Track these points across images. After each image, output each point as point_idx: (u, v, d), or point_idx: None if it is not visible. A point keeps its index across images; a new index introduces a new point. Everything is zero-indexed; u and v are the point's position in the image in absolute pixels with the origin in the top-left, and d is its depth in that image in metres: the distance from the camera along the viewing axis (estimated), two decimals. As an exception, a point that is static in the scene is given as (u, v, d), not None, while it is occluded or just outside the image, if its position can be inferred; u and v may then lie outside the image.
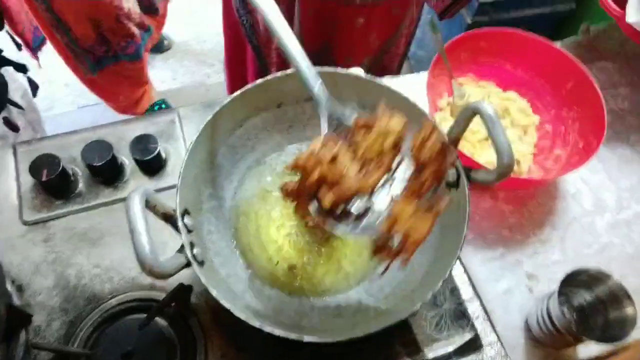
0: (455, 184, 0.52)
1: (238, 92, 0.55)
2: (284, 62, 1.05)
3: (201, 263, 0.48)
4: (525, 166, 0.79)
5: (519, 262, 0.74)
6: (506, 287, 0.72)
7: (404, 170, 0.48)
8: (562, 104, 0.81)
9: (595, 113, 0.75)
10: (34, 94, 0.93)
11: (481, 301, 0.70)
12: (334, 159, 0.46)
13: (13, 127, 0.85)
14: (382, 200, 0.48)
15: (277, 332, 0.45)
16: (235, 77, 1.22)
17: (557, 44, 0.81)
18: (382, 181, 0.47)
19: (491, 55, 0.84)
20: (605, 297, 0.63)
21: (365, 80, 0.57)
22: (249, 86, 0.55)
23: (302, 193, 0.48)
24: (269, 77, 0.55)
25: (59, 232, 0.63)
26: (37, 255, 0.62)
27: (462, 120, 0.49)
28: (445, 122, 0.80)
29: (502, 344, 0.68)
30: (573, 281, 0.64)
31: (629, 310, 0.60)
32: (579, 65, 0.77)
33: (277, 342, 0.58)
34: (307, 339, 0.45)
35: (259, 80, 0.56)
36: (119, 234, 0.64)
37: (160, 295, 0.60)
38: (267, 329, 0.45)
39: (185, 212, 0.50)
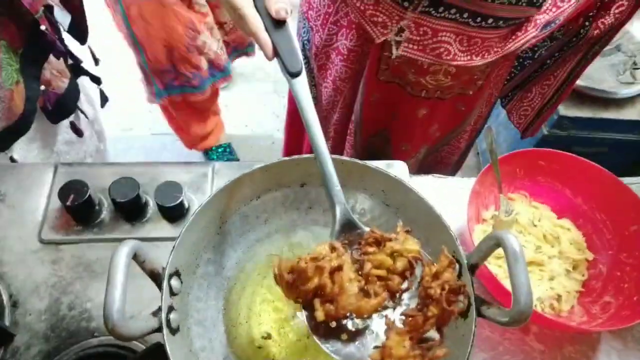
0: (464, 314, 0.46)
1: (264, 165, 0.54)
2: (340, 137, 1.05)
3: (174, 330, 0.45)
4: (568, 305, 0.70)
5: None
6: None
7: (408, 297, 0.45)
8: (622, 247, 0.72)
9: (659, 266, 0.66)
10: (102, 105, 0.99)
11: None
12: (337, 270, 0.43)
13: (78, 132, 0.91)
14: (379, 323, 0.44)
15: None
16: (292, 141, 1.24)
17: (626, 180, 0.74)
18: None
19: (549, 176, 0.78)
20: None
21: (393, 179, 0.54)
22: (277, 161, 0.55)
23: (295, 293, 0.45)
24: (298, 157, 0.55)
25: (67, 257, 0.64)
26: (41, 275, 0.63)
27: (484, 248, 0.45)
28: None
29: None
30: None
31: None
32: (647, 208, 0.70)
33: None
34: None
35: (287, 158, 0.55)
36: (123, 273, 0.63)
37: (141, 347, 0.58)
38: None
39: (176, 274, 0.48)
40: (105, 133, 1.10)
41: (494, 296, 0.68)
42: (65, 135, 0.90)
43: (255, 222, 0.59)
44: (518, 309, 0.39)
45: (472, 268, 0.47)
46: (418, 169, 1.08)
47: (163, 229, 0.67)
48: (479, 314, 0.44)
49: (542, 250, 0.74)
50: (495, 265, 0.72)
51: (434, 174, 0.86)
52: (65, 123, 0.89)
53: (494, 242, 0.43)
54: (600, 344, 0.70)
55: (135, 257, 0.44)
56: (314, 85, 0.99)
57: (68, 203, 0.63)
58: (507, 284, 0.62)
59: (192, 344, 0.48)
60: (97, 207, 0.67)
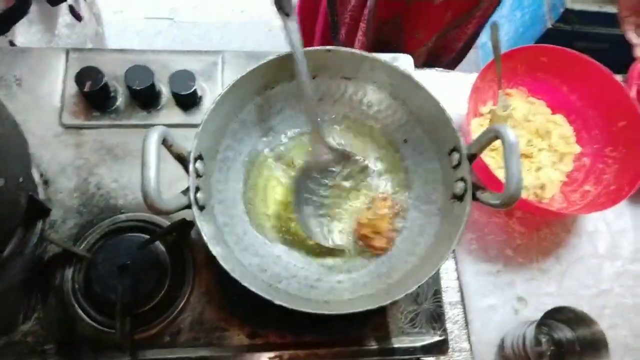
0: (461, 197, 0.52)
1: (276, 56, 0.56)
2: (356, 24, 1.03)
3: (202, 207, 0.51)
4: (550, 193, 0.77)
5: (513, 283, 0.74)
6: (492, 303, 0.72)
7: None
8: (608, 142, 0.78)
9: (639, 160, 0.72)
10: None
11: (464, 309, 0.72)
12: None
13: (77, 16, 0.90)
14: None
15: (253, 288, 0.47)
16: (303, 27, 1.20)
17: (620, 77, 0.77)
18: None
19: (549, 73, 0.80)
20: (584, 341, 0.64)
21: (401, 73, 0.57)
22: (287, 52, 0.56)
23: None
24: (309, 49, 0.56)
25: (90, 141, 0.68)
26: (66, 157, 0.67)
27: (483, 140, 0.49)
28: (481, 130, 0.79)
29: (471, 353, 0.70)
30: (559, 315, 0.64)
31: (602, 361, 0.60)
32: (636, 107, 0.74)
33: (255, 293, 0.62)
34: (277, 302, 0.47)
35: (300, 49, 0.56)
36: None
37: (165, 222, 0.64)
38: (244, 283, 0.48)
39: (199, 157, 0.52)
40: (102, 16, 1.07)
41: (485, 184, 0.74)
42: (65, 18, 0.88)
43: (269, 112, 0.62)
44: (509, 194, 0.45)
45: (471, 157, 0.52)
46: (425, 57, 1.08)
47: (177, 116, 0.70)
48: (474, 197, 0.50)
49: (533, 144, 0.79)
50: (489, 157, 0.77)
51: (437, 68, 0.88)
52: (65, 6, 0.87)
53: (493, 135, 0.47)
54: (573, 227, 0.78)
55: (164, 141, 0.48)
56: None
57: (86, 89, 0.65)
58: (498, 173, 0.68)
59: (216, 220, 0.54)
60: (112, 94, 0.69)
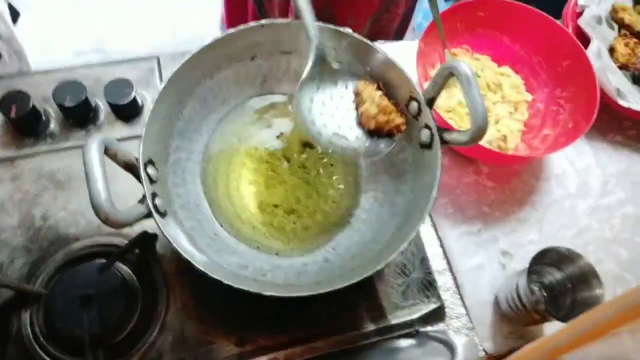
0: (429, 145, 0.50)
1: (209, 42, 0.53)
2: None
3: (163, 214, 0.47)
4: (512, 143, 0.77)
5: (495, 238, 0.73)
6: (479, 263, 0.71)
7: None
8: (556, 83, 0.79)
9: (589, 94, 0.73)
10: (14, 21, 0.90)
11: (453, 274, 0.70)
12: None
13: None
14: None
15: (237, 285, 0.44)
16: (233, 9, 1.17)
17: (559, 21, 0.78)
18: None
19: (489, 27, 0.81)
20: (574, 277, 0.63)
21: (340, 32, 0.55)
22: (221, 36, 0.53)
23: None
24: (242, 27, 0.53)
25: (26, 171, 0.62)
26: (2, 192, 0.61)
27: (439, 80, 0.48)
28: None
29: (469, 316, 0.68)
30: (544, 259, 0.63)
31: (597, 291, 0.59)
32: (577, 43, 0.75)
33: (239, 298, 0.58)
34: (267, 293, 0.44)
35: (231, 30, 0.53)
36: (89, 178, 0.63)
37: (124, 242, 0.59)
38: (227, 281, 0.44)
39: (150, 162, 0.48)
40: (25, 52, 1.00)
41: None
42: (-19, 57, 0.82)
43: (214, 103, 0.58)
44: (476, 125, 0.43)
45: (430, 102, 0.50)
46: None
47: (119, 129, 0.66)
48: (442, 141, 0.48)
49: (487, 98, 0.79)
50: (448, 119, 0.76)
51: (380, 40, 0.87)
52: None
53: (448, 72, 0.46)
54: (541, 173, 0.79)
55: (106, 151, 0.43)
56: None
57: (12, 115, 0.60)
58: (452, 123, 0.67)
59: (182, 225, 0.50)
60: (44, 117, 0.64)
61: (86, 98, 0.62)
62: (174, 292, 0.58)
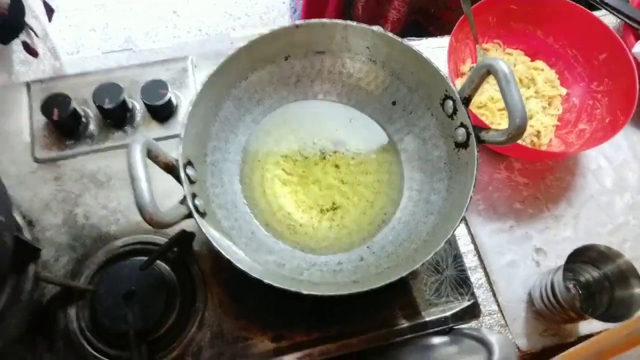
0: (465, 144, 0.50)
1: (244, 44, 0.53)
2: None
3: (203, 214, 0.48)
4: (546, 139, 0.76)
5: (529, 235, 0.72)
6: (512, 260, 0.71)
7: None
8: (592, 77, 0.77)
9: (627, 87, 0.71)
10: (50, 18, 0.92)
11: (485, 271, 0.70)
12: None
13: (32, 52, 0.86)
14: None
15: (276, 284, 0.45)
16: (312, 8, 1.15)
17: (596, 13, 0.76)
18: None
19: (522, 20, 0.79)
20: (612, 276, 0.62)
21: (374, 32, 0.55)
22: (256, 37, 0.54)
23: None
24: (277, 28, 0.54)
25: (68, 171, 0.64)
26: (47, 192, 0.63)
27: (476, 78, 0.47)
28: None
29: (502, 313, 0.68)
30: (581, 257, 0.62)
31: (636, 290, 0.58)
32: (615, 35, 0.73)
33: (275, 295, 0.59)
34: (306, 292, 0.45)
35: (267, 31, 0.54)
36: (127, 178, 0.64)
37: (164, 240, 0.60)
38: (267, 280, 0.45)
39: (188, 164, 0.49)
40: (58, 50, 1.03)
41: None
42: (19, 55, 0.84)
43: (249, 104, 0.59)
44: (515, 124, 0.43)
45: (466, 100, 0.50)
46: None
47: (156, 130, 0.67)
48: (479, 140, 0.48)
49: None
50: (479, 115, 0.76)
51: (408, 37, 0.86)
52: (18, 42, 0.83)
53: (485, 70, 0.45)
54: (576, 169, 0.77)
55: (148, 153, 0.44)
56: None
57: (54, 118, 0.62)
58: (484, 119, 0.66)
59: (220, 225, 0.51)
60: (84, 119, 0.66)
61: (124, 100, 0.64)
62: (211, 290, 0.59)
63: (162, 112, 0.67)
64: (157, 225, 0.42)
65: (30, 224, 0.61)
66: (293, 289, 0.44)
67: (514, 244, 0.72)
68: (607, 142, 0.68)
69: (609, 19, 0.83)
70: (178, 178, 0.48)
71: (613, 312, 0.60)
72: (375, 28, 0.54)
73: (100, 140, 0.66)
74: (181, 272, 0.59)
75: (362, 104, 0.61)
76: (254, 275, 0.44)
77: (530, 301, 0.68)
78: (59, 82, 0.68)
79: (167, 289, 0.57)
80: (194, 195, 0.48)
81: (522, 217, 0.73)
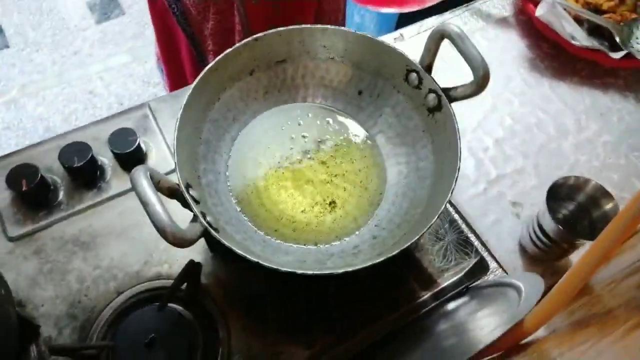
0: (438, 107, 0.54)
1: (208, 67, 0.55)
2: (220, 48, 0.99)
3: (217, 229, 0.48)
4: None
5: (501, 193, 0.78)
6: (495, 218, 0.75)
7: None
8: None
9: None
10: None
11: (476, 234, 0.73)
12: None
13: None
14: None
15: (311, 271, 0.45)
16: (172, 70, 1.16)
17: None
18: None
19: None
20: (586, 202, 0.68)
21: (327, 29, 0.59)
22: (219, 58, 0.56)
23: None
24: (237, 45, 0.56)
25: (48, 242, 0.61)
26: (30, 269, 0.59)
27: (432, 46, 0.52)
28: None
29: (502, 268, 0.71)
30: (556, 194, 0.68)
31: (609, 206, 0.65)
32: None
33: (296, 301, 0.59)
34: (341, 270, 0.45)
35: (229, 50, 0.56)
36: (112, 232, 0.63)
37: (168, 283, 0.59)
38: (299, 272, 0.45)
39: (189, 186, 0.49)
40: None
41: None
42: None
43: (225, 124, 0.60)
44: (479, 74, 0.47)
45: (428, 68, 0.54)
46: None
47: (129, 182, 0.66)
48: (450, 99, 0.52)
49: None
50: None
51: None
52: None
53: (439, 35, 0.51)
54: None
55: (151, 179, 0.44)
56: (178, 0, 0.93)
57: (24, 188, 0.59)
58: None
59: (234, 238, 0.51)
60: (52, 186, 0.63)
61: (92, 155, 0.62)
62: (231, 316, 0.58)
63: (133, 160, 0.66)
64: (180, 243, 0.41)
65: (20, 304, 0.57)
66: (322, 272, 0.45)
67: (492, 203, 0.77)
68: (539, 97, 0.76)
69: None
70: (184, 201, 0.47)
71: (597, 231, 0.65)
72: (328, 26, 0.58)
73: (74, 203, 0.64)
74: (196, 308, 0.57)
75: (331, 100, 0.64)
76: (286, 269, 0.44)
77: (522, 249, 0.72)
78: (17, 156, 0.66)
79: (187, 328, 0.55)
80: (203, 214, 0.48)
81: (490, 178, 0.79)
